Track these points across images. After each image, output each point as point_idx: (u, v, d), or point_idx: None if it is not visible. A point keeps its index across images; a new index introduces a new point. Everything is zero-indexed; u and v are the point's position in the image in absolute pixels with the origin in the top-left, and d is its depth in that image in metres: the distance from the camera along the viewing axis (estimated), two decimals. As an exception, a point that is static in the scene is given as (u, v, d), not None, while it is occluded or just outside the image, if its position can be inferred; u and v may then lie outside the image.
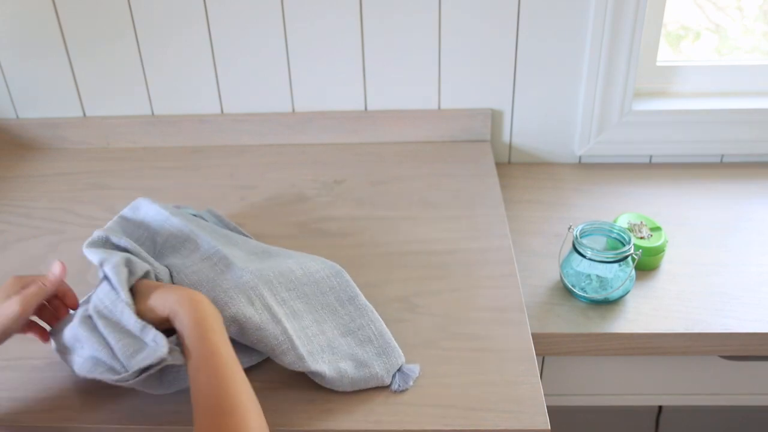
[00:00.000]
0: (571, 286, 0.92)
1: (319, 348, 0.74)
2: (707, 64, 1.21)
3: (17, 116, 1.27)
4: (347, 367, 0.72)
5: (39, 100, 1.25)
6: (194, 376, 0.63)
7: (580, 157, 1.24)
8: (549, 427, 0.68)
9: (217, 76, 1.20)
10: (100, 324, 0.70)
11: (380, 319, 0.78)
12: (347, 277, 0.81)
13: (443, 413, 0.70)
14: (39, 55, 1.20)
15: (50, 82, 1.22)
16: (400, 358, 0.75)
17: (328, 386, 0.72)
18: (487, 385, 0.73)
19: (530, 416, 0.70)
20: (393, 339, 0.76)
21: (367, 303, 0.80)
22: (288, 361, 0.71)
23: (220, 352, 0.64)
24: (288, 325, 0.73)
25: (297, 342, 0.72)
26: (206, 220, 0.94)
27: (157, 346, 0.66)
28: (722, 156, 1.23)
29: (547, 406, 0.71)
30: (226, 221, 0.96)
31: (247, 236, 0.94)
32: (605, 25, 1.09)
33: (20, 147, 1.28)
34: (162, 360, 0.65)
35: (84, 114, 1.26)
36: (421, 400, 0.72)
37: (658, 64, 1.20)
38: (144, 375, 0.66)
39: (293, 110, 1.23)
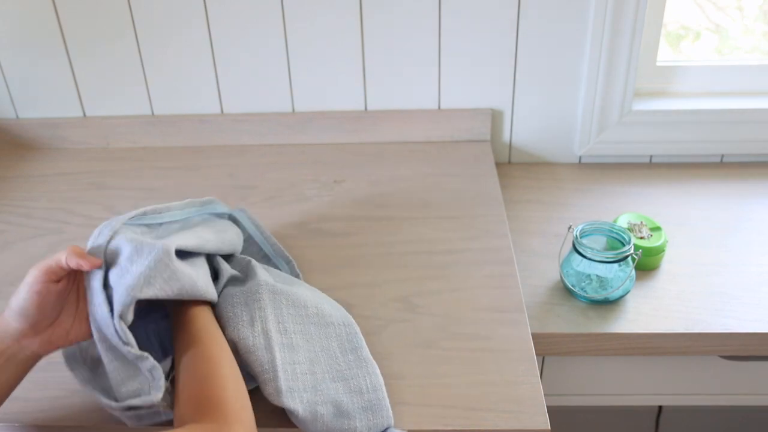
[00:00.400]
0: (571, 286, 0.92)
1: (302, 386, 0.70)
2: (707, 64, 1.21)
3: (17, 116, 1.27)
4: (325, 412, 0.69)
5: (39, 100, 1.25)
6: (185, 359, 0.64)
7: (580, 157, 1.24)
8: (549, 427, 0.68)
9: (217, 76, 1.20)
10: (95, 334, 0.66)
11: (379, 376, 0.73)
12: (357, 330, 0.78)
13: (443, 413, 0.70)
14: (39, 55, 1.20)
15: (50, 82, 1.22)
16: (389, 419, 0.69)
17: (300, 427, 0.69)
18: (487, 385, 0.73)
19: (530, 416, 0.70)
20: (387, 398, 0.71)
21: (371, 358, 0.75)
22: (267, 391, 0.69)
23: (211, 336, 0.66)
24: (278, 356, 0.70)
25: (281, 374, 0.69)
26: (237, 218, 0.92)
27: (153, 382, 0.64)
28: (722, 156, 1.23)
29: (547, 406, 0.71)
30: (257, 222, 0.94)
31: (276, 243, 0.93)
32: (605, 25, 1.09)
33: (20, 147, 1.28)
34: (153, 405, 0.63)
35: (84, 114, 1.26)
36: (421, 400, 0.72)
37: (658, 64, 1.20)
38: (132, 413, 0.65)
39: (293, 110, 1.23)
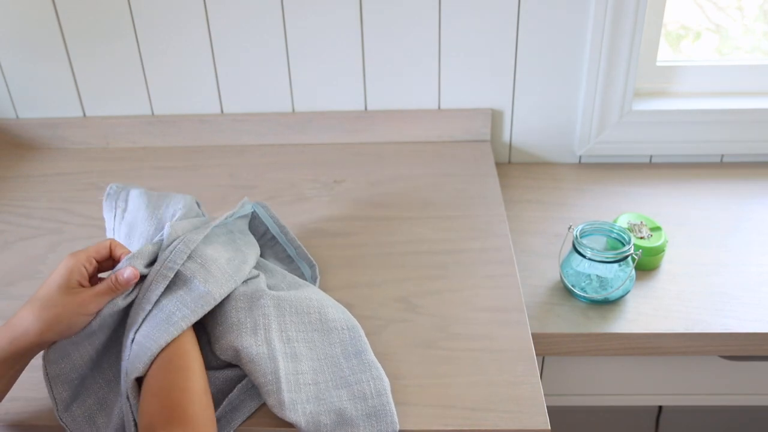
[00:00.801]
0: (571, 286, 0.92)
1: (305, 397, 0.70)
2: (707, 64, 1.21)
3: (17, 116, 1.27)
4: (329, 422, 0.68)
5: (39, 100, 1.25)
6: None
7: (580, 157, 1.24)
8: (549, 427, 0.68)
9: (217, 76, 1.20)
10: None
11: (385, 380, 0.72)
12: (361, 333, 0.77)
13: (443, 413, 0.70)
14: (39, 55, 1.20)
15: (50, 82, 1.22)
16: (393, 425, 0.68)
17: None
18: (487, 385, 0.73)
19: (530, 416, 0.70)
20: (392, 403, 0.70)
21: (375, 361, 0.74)
22: (270, 402, 0.69)
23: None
24: (282, 366, 0.70)
25: (283, 386, 0.69)
26: (255, 212, 0.92)
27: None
28: (722, 156, 1.23)
29: (547, 406, 0.71)
30: (281, 223, 0.94)
31: (292, 238, 0.92)
32: (605, 25, 1.09)
33: (20, 147, 1.28)
34: None
35: (84, 114, 1.26)
36: (421, 400, 0.72)
37: (658, 64, 1.20)
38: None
39: (293, 110, 1.23)
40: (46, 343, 0.67)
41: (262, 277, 0.79)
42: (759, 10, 1.20)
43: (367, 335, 0.78)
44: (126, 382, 0.67)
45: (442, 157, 1.18)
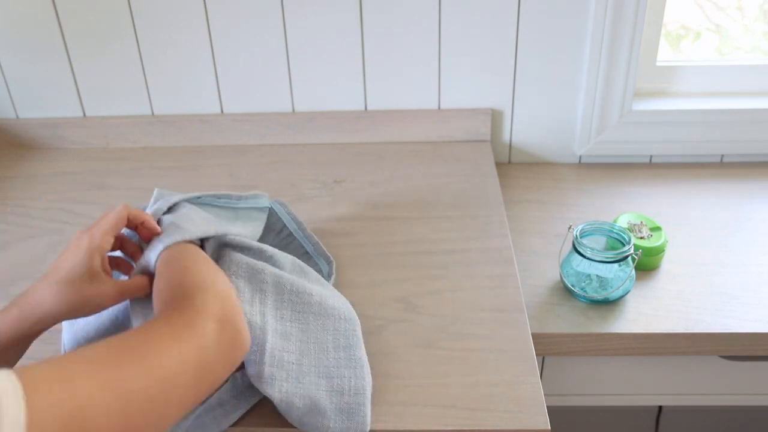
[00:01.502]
0: (571, 286, 0.92)
1: (285, 375, 0.70)
2: (707, 64, 1.21)
3: (17, 116, 1.27)
4: (301, 405, 0.68)
5: (39, 100, 1.25)
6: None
7: (580, 157, 1.24)
8: (549, 427, 0.68)
9: (217, 76, 1.20)
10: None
11: (366, 379, 0.72)
12: (357, 328, 0.76)
13: (443, 413, 0.70)
14: (39, 55, 1.20)
15: (50, 82, 1.22)
16: (364, 425, 0.68)
17: (279, 411, 0.69)
18: (487, 385, 0.73)
19: (530, 416, 0.70)
20: (368, 405, 0.70)
21: (364, 359, 0.73)
22: (250, 371, 0.68)
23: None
24: (269, 339, 0.70)
25: (267, 359, 0.69)
26: (277, 212, 0.93)
27: None
28: (722, 156, 1.23)
29: (547, 406, 0.71)
30: (298, 219, 0.94)
31: (308, 235, 0.93)
32: (605, 25, 1.09)
33: (20, 147, 1.28)
34: None
35: (84, 114, 1.26)
36: (421, 400, 0.72)
37: (658, 64, 1.20)
38: None
39: (293, 110, 1.23)
40: (60, 321, 0.64)
41: (264, 255, 0.79)
42: (759, 10, 1.20)
43: (367, 335, 0.78)
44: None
45: (442, 157, 1.18)
